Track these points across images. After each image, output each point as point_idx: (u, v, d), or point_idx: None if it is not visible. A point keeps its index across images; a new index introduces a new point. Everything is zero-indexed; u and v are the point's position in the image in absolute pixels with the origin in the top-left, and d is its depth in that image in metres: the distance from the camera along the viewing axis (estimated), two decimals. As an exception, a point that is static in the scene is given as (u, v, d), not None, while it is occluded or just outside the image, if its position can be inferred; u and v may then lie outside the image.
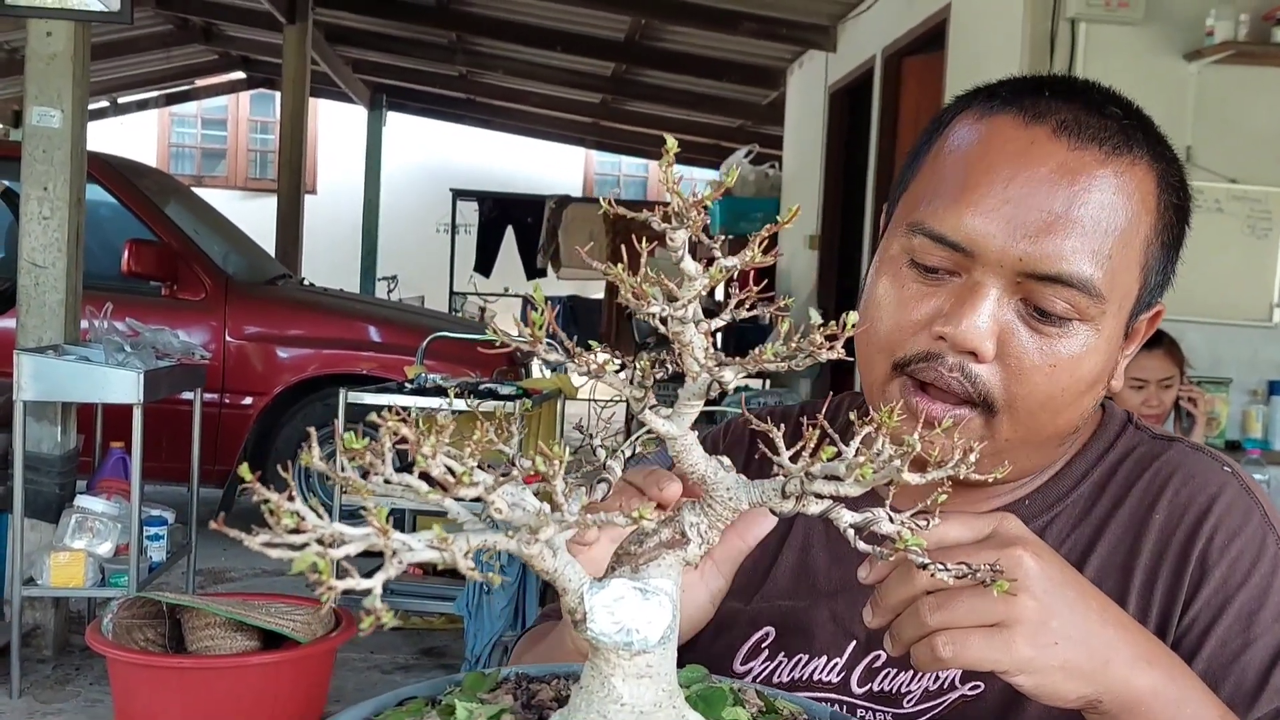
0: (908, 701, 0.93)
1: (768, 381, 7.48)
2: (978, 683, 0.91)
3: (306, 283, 6.87)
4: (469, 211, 11.62)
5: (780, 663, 0.98)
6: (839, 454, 0.59)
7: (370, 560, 0.51)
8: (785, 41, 7.51)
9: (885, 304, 0.90)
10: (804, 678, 0.97)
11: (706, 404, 0.61)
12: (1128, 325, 0.91)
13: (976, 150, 0.88)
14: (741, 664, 0.99)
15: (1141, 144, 0.88)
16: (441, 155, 14.17)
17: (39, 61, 3.91)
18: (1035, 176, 0.85)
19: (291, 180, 8.19)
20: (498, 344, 0.58)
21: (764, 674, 0.98)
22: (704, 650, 1.00)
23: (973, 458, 0.58)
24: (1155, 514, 0.93)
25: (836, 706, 0.94)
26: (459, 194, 11.59)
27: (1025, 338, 0.86)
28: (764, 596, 1.01)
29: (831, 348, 0.57)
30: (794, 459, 0.60)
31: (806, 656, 0.97)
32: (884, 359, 0.90)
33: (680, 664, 0.67)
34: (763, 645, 0.99)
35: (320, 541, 0.50)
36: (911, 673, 0.93)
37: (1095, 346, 0.88)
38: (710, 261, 0.57)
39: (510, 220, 11.22)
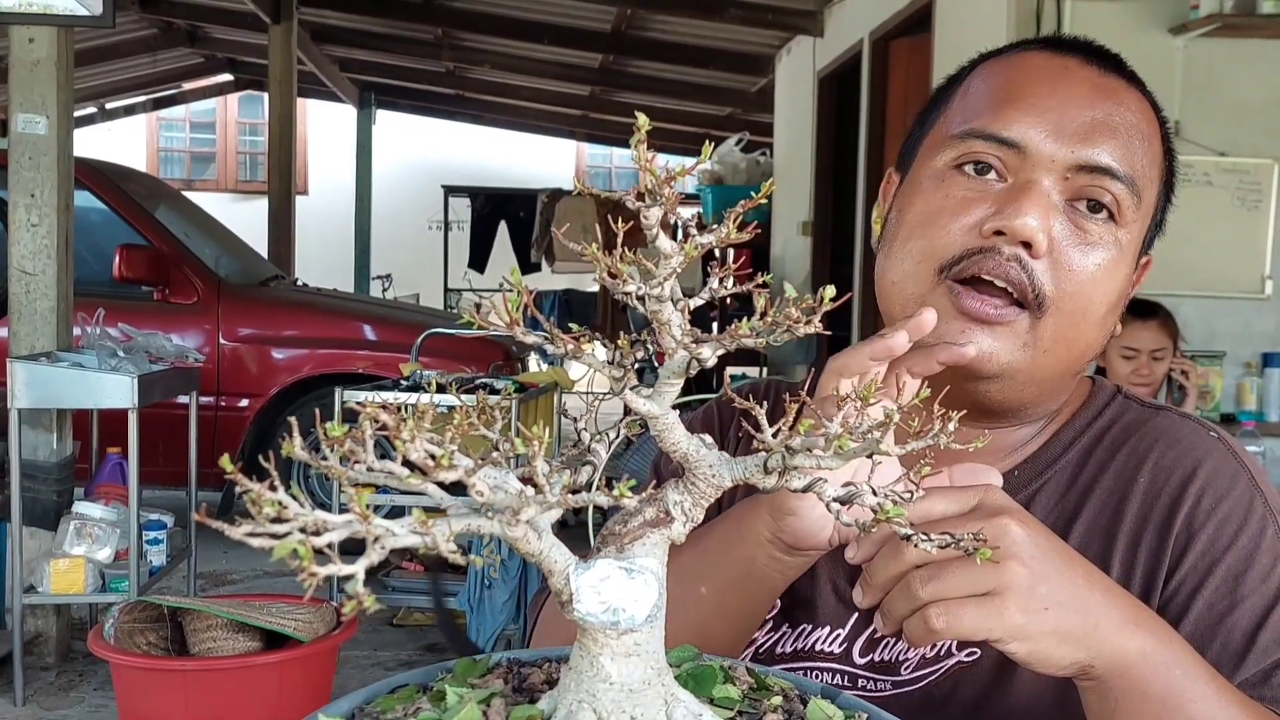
0: (905, 669, 0.94)
1: (763, 369, 7.49)
2: (974, 649, 0.92)
3: (300, 283, 6.86)
4: (461, 208, 11.60)
5: (784, 633, 0.99)
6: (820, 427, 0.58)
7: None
8: (772, 28, 7.50)
9: (928, 214, 0.92)
10: (806, 648, 0.97)
11: (700, 394, 0.61)
12: (1137, 257, 0.95)
13: (1013, 75, 0.93)
14: None
15: (1145, 91, 0.96)
16: (432, 152, 14.14)
17: (22, 68, 3.91)
18: (1074, 91, 0.91)
19: (282, 181, 8.17)
20: (476, 329, 0.58)
21: (768, 644, 0.99)
22: None
23: (952, 426, 0.58)
24: (1140, 478, 0.94)
25: (838, 677, 0.95)
26: (451, 190, 11.57)
27: (1072, 239, 0.89)
28: None
29: (809, 322, 0.56)
30: (776, 434, 0.59)
31: (810, 627, 0.98)
32: (925, 269, 0.91)
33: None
34: (768, 616, 0.99)
35: (303, 530, 0.50)
36: None
37: (1123, 257, 0.92)
38: (687, 238, 0.56)
39: (503, 215, 11.20)
